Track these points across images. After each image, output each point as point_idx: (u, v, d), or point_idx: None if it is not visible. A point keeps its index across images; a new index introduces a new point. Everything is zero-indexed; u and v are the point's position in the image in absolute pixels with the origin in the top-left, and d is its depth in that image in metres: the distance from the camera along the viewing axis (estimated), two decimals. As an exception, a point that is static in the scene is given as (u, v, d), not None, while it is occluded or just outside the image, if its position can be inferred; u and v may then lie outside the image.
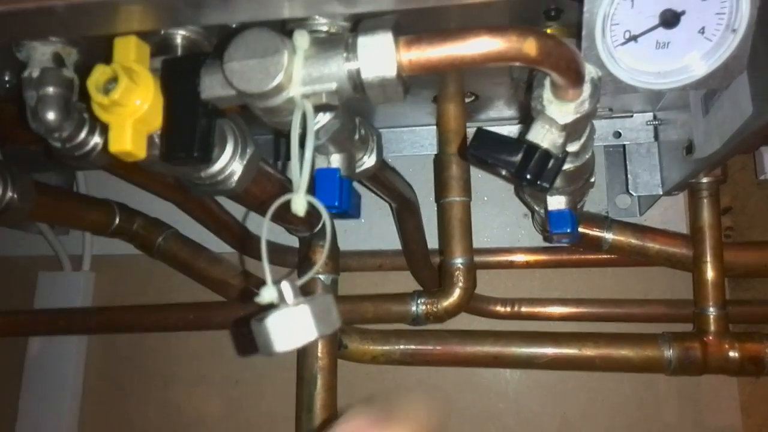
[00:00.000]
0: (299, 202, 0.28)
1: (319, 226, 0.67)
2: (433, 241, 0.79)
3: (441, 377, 0.89)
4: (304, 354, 0.71)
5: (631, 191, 0.74)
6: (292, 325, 0.25)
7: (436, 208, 0.69)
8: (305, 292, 0.27)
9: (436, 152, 0.72)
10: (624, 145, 0.75)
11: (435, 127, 0.76)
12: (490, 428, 0.88)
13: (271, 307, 0.26)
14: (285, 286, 0.26)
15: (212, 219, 0.72)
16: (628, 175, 0.74)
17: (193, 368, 0.93)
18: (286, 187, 0.56)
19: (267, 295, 0.26)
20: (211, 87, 0.33)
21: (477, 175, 0.70)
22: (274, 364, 0.92)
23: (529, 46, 0.30)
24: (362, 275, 0.87)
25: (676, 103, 0.63)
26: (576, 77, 0.34)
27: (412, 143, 0.77)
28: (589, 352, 0.72)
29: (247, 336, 0.26)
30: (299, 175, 0.29)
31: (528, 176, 0.39)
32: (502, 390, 0.88)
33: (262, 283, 0.26)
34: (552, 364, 0.74)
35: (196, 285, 0.84)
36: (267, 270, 0.26)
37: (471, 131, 0.65)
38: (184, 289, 0.89)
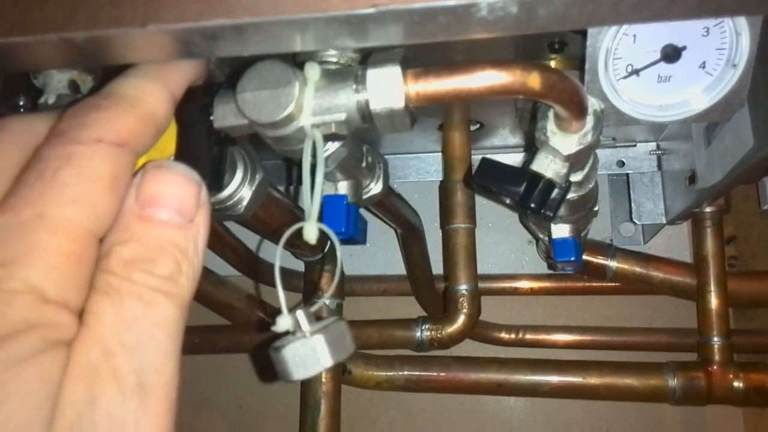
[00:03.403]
0: (311, 230, 0.29)
1: (325, 250, 0.68)
2: (438, 267, 0.79)
3: (445, 404, 0.88)
4: (308, 379, 0.71)
5: (634, 220, 0.75)
6: (308, 354, 0.26)
7: (441, 234, 0.70)
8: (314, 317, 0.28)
9: (441, 179, 0.73)
10: (627, 174, 0.75)
11: (440, 154, 0.77)
12: (493, 456, 0.87)
13: (286, 334, 0.27)
14: (300, 314, 0.27)
15: (219, 242, 0.73)
16: (632, 204, 0.75)
17: (196, 392, 0.93)
18: (293, 212, 0.56)
19: (283, 323, 0.27)
20: (224, 116, 0.34)
21: (482, 201, 0.71)
22: (279, 389, 0.92)
23: (533, 80, 0.31)
24: (367, 300, 0.88)
25: (678, 133, 0.64)
26: (579, 110, 0.35)
27: (418, 169, 0.78)
28: (593, 380, 0.72)
29: (265, 360, 0.27)
30: (310, 203, 0.30)
31: (532, 205, 0.40)
32: (506, 418, 0.88)
33: (270, 307, 0.27)
34: (556, 392, 0.73)
35: (201, 308, 0.84)
36: (282, 299, 0.27)
37: (476, 158, 0.67)
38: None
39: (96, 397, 0.20)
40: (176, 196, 0.23)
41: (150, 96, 0.26)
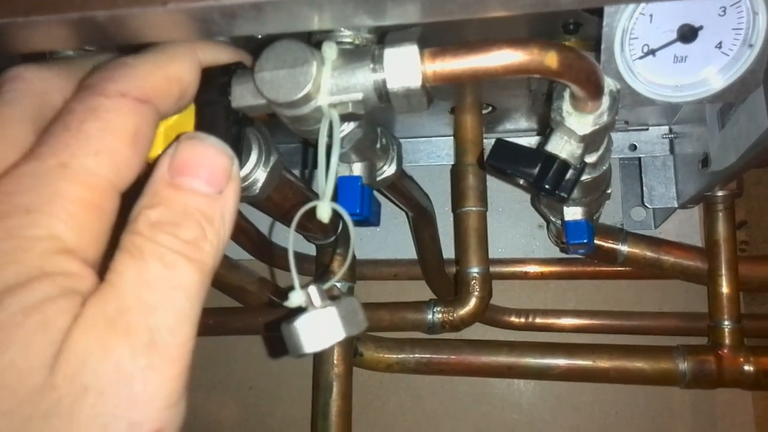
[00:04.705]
0: (324, 209, 0.29)
1: (337, 233, 0.68)
2: (448, 251, 0.79)
3: (455, 387, 0.89)
4: (320, 361, 0.72)
5: (646, 204, 0.74)
6: (320, 326, 0.26)
7: (452, 218, 0.70)
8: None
9: (452, 163, 0.73)
10: (639, 158, 0.75)
11: (452, 137, 0.77)
12: (503, 439, 0.88)
13: (299, 310, 0.27)
14: (312, 290, 0.27)
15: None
16: (644, 188, 0.74)
17: (209, 373, 0.94)
18: (307, 195, 0.57)
19: (296, 298, 0.27)
20: (242, 96, 0.34)
21: (492, 185, 0.71)
22: (290, 371, 0.93)
23: (551, 59, 0.31)
24: (378, 284, 0.88)
25: (691, 116, 0.63)
26: (595, 89, 0.35)
27: (429, 153, 0.78)
28: (603, 363, 0.72)
29: (276, 339, 0.27)
30: (324, 182, 0.30)
31: (546, 186, 0.40)
32: (516, 401, 0.88)
33: (282, 289, 0.27)
34: (566, 375, 0.74)
35: (214, 291, 0.85)
36: (295, 275, 0.27)
37: (487, 142, 0.67)
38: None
39: (105, 349, 0.20)
40: (207, 166, 0.24)
41: (178, 59, 0.27)
